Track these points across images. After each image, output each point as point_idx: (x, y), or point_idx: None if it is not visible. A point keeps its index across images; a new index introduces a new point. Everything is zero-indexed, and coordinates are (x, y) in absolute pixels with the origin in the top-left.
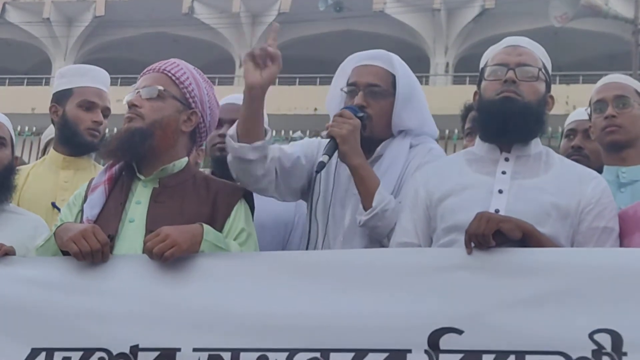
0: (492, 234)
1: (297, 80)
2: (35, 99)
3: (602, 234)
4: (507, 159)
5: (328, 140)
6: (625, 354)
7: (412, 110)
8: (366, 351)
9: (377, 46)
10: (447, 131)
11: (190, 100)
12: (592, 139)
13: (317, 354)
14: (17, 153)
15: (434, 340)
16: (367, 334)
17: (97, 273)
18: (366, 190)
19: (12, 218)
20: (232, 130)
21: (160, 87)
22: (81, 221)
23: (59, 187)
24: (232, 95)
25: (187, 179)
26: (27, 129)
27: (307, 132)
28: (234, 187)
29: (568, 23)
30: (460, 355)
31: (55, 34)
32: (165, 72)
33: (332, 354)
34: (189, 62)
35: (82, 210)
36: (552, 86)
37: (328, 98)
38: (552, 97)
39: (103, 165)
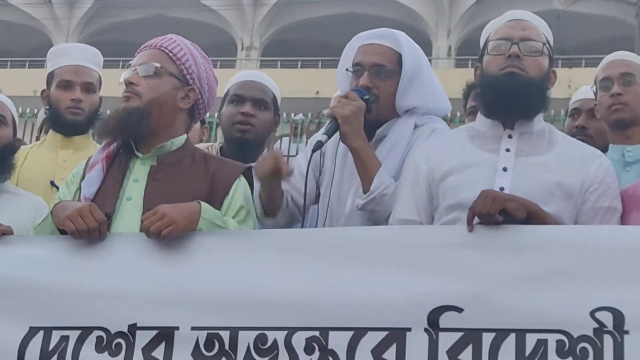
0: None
1: (299, 63)
2: (36, 82)
3: (605, 214)
4: (510, 136)
5: (330, 120)
6: (627, 332)
7: (417, 88)
8: (365, 329)
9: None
10: (449, 114)
11: (188, 76)
12: (596, 118)
13: (317, 333)
14: (19, 135)
15: (433, 319)
16: (366, 312)
17: (95, 251)
18: (366, 173)
19: (11, 198)
20: (259, 211)
21: (157, 64)
22: (79, 199)
23: (57, 166)
24: (250, 72)
25: (185, 156)
26: (28, 111)
27: (309, 115)
28: (233, 164)
29: (571, 6)
30: (460, 334)
31: (57, 16)
32: (162, 48)
33: (331, 333)
34: None
35: (80, 189)
36: (555, 70)
37: (337, 79)
38: (554, 72)
39: (101, 144)
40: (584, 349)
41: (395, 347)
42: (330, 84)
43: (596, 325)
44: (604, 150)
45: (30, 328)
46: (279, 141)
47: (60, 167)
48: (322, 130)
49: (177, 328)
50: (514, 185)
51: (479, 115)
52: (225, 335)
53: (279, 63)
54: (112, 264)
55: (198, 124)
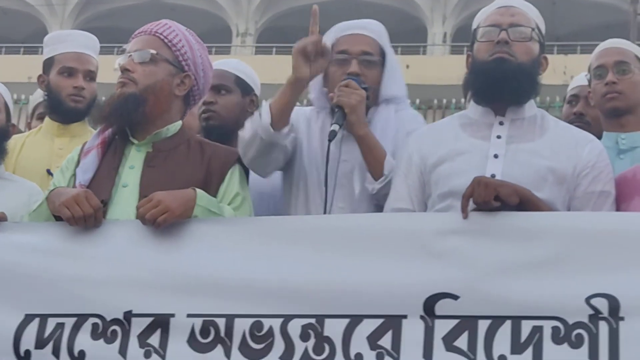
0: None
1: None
2: (31, 68)
3: (598, 198)
4: (501, 123)
5: (336, 109)
6: (622, 318)
7: (397, 79)
8: (361, 317)
9: (374, 15)
10: (444, 101)
11: (184, 63)
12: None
13: (313, 320)
14: (14, 121)
15: (429, 306)
16: (362, 299)
17: (90, 238)
18: (374, 159)
19: (5, 185)
20: (266, 114)
21: (153, 51)
22: (74, 186)
23: (54, 154)
24: (218, 61)
25: (181, 143)
26: (23, 97)
27: (304, 102)
28: (229, 151)
29: None
30: (456, 321)
31: (51, 2)
32: (157, 34)
33: (327, 320)
34: None
35: (75, 175)
36: (550, 56)
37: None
38: (545, 58)
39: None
40: (579, 335)
41: (391, 334)
42: None
43: (591, 312)
44: (601, 137)
45: (26, 315)
46: None
47: (57, 155)
48: (333, 120)
49: (172, 315)
50: (505, 172)
51: (471, 103)
52: (221, 322)
53: (274, 49)
54: (108, 251)
55: (196, 110)
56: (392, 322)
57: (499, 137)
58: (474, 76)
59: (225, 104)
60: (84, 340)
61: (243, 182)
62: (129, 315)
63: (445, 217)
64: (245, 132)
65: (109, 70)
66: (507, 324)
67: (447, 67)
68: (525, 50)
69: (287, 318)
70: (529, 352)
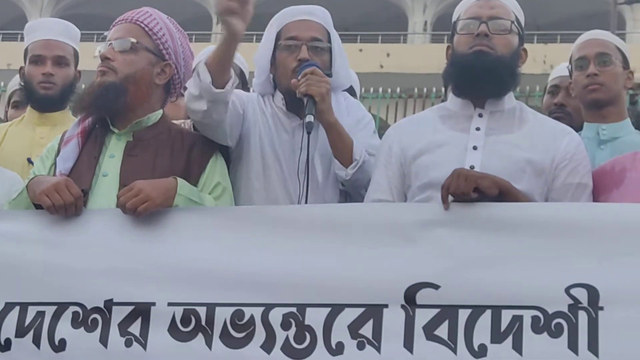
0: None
1: None
2: (10, 55)
3: (576, 190)
4: (480, 115)
5: (305, 98)
6: (601, 308)
7: (345, 67)
8: (342, 306)
9: (354, 4)
10: (425, 89)
11: (164, 52)
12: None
13: (294, 309)
14: None
15: (410, 295)
16: (343, 289)
17: (71, 227)
18: (344, 146)
19: None
20: (203, 69)
21: (133, 40)
22: (54, 174)
23: (35, 143)
24: (211, 47)
25: (161, 132)
26: (2, 84)
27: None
28: (209, 140)
29: None
30: (437, 310)
31: None
32: (137, 22)
33: (308, 309)
34: None
35: (55, 164)
36: (530, 45)
37: (259, 52)
38: (525, 50)
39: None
40: (558, 325)
41: (372, 323)
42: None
43: (571, 302)
44: (582, 127)
45: (6, 304)
46: None
47: (38, 144)
48: (305, 110)
49: (153, 304)
50: (485, 164)
51: (450, 95)
52: (202, 310)
53: (254, 37)
54: (88, 240)
55: (181, 102)
56: (373, 311)
57: (478, 129)
58: (454, 69)
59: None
60: (64, 328)
61: (224, 172)
62: (109, 303)
63: (425, 208)
64: (188, 94)
65: (89, 58)
66: (487, 314)
67: (427, 56)
68: (505, 43)
69: (268, 307)
70: (508, 341)
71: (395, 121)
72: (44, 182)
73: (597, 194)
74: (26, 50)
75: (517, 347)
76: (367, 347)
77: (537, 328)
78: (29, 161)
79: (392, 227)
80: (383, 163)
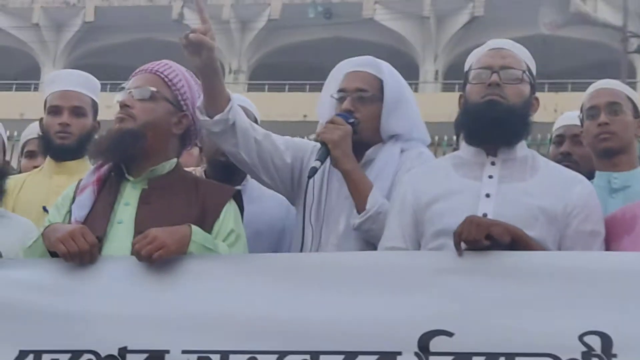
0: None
1: (287, 87)
2: (23, 105)
3: (588, 238)
4: (493, 163)
5: (320, 145)
6: (615, 355)
7: (400, 115)
8: (356, 353)
9: (366, 53)
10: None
11: (182, 102)
12: (580, 144)
13: (307, 357)
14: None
15: (424, 343)
16: (356, 336)
17: (85, 274)
18: (359, 194)
19: (1, 222)
20: (199, 103)
21: (153, 89)
22: (69, 222)
23: (51, 192)
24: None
25: (176, 180)
26: (15, 134)
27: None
28: (224, 188)
29: (557, 31)
30: (451, 358)
31: (44, 39)
32: (157, 73)
33: (322, 357)
34: None
35: (70, 212)
36: (541, 94)
37: (319, 105)
38: (537, 99)
39: None
40: None
41: None
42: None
43: (584, 349)
44: (590, 175)
45: (20, 351)
46: None
47: (54, 192)
48: (315, 156)
49: (167, 351)
50: (497, 211)
51: (463, 144)
52: (216, 358)
53: (267, 86)
54: (103, 287)
55: (197, 150)
56: (387, 359)
57: (490, 176)
58: (466, 118)
59: None
60: None
61: (238, 219)
62: (123, 351)
63: (440, 255)
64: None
65: (102, 107)
66: None
67: (438, 104)
68: (517, 92)
69: (282, 354)
70: None
71: None
72: (60, 230)
73: (609, 242)
74: (45, 102)
75: None
76: None
77: None
78: (45, 210)
79: (406, 274)
80: (397, 210)
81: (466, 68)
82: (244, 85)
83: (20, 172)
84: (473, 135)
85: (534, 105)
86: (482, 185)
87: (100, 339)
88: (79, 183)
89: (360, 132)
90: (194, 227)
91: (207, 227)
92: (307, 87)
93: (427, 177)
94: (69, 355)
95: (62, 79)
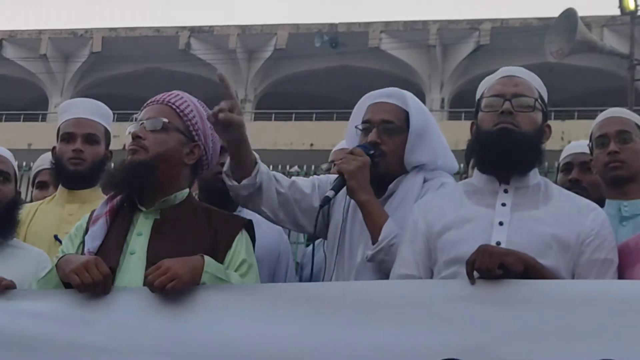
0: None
1: (294, 115)
2: (31, 135)
3: (602, 266)
4: (506, 191)
5: (338, 176)
6: None
7: (425, 145)
8: None
9: (372, 82)
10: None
11: (194, 133)
12: (589, 171)
13: None
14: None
15: None
16: None
17: (99, 306)
18: (374, 225)
19: (15, 253)
20: (226, 167)
21: (165, 120)
22: (82, 253)
23: (63, 220)
24: None
25: (188, 210)
26: (24, 164)
27: (304, 167)
28: (235, 218)
29: (564, 59)
30: None
31: (52, 69)
32: (169, 104)
33: None
34: None
35: (83, 242)
36: (549, 124)
37: (347, 137)
38: (549, 126)
39: None
40: None
41: None
42: (325, 136)
43: None
44: (599, 203)
45: None
46: None
47: (66, 221)
48: (330, 186)
49: None
50: (511, 239)
51: (475, 171)
52: None
53: (273, 115)
54: (116, 319)
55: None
56: None
57: (503, 204)
58: (479, 146)
59: None
60: None
61: (249, 249)
62: None
63: (453, 284)
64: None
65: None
66: None
67: (445, 133)
68: (529, 120)
69: None
70: None
71: None
72: (74, 261)
73: (622, 270)
74: (58, 130)
75: None
76: None
77: None
78: (56, 238)
79: (418, 303)
80: (409, 238)
81: (478, 96)
82: (251, 114)
83: (32, 201)
84: (486, 163)
85: (546, 133)
86: (495, 213)
87: None
88: (91, 214)
89: (385, 164)
90: (206, 257)
91: (220, 257)
92: (314, 116)
93: (440, 205)
94: None
95: (75, 107)
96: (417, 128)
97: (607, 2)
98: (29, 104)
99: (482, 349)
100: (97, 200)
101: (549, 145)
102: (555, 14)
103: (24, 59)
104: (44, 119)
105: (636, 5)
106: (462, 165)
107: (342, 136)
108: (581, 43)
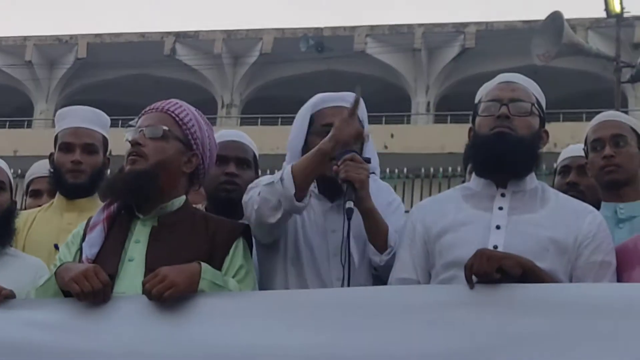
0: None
1: (280, 120)
2: (17, 142)
3: (600, 269)
4: (503, 195)
5: (345, 185)
6: None
7: (373, 150)
8: None
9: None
10: (431, 169)
11: (193, 142)
12: (587, 175)
13: None
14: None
15: None
16: None
17: (98, 314)
18: (380, 232)
19: (12, 262)
20: (289, 179)
21: (165, 127)
22: (80, 260)
23: (62, 229)
24: (230, 131)
25: (186, 217)
26: (11, 171)
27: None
28: (233, 224)
29: (550, 62)
30: None
31: (37, 76)
32: (169, 112)
33: None
34: None
35: (80, 249)
36: (546, 130)
37: (292, 136)
38: (546, 132)
39: None
40: None
41: None
42: None
43: None
44: (596, 205)
45: None
46: None
47: (65, 230)
48: (345, 197)
49: None
50: (508, 243)
51: (473, 175)
52: None
53: (260, 120)
54: (115, 327)
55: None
56: None
57: (500, 208)
58: (476, 150)
59: (248, 179)
60: None
61: (247, 255)
62: None
63: (452, 289)
64: (264, 200)
65: None
66: None
67: (431, 136)
68: (526, 125)
69: None
70: None
71: (402, 200)
72: (73, 269)
73: (620, 272)
74: (56, 137)
75: None
76: None
77: None
78: (56, 247)
79: (418, 308)
80: (407, 242)
81: (476, 100)
82: (237, 119)
83: (24, 209)
84: (483, 167)
85: (543, 138)
86: (493, 217)
87: None
88: (88, 221)
89: None
90: (203, 264)
91: (217, 263)
92: None
93: (437, 209)
94: None
95: (73, 116)
96: (367, 131)
97: (593, 4)
98: (14, 111)
99: (481, 353)
100: (96, 208)
101: None
102: (540, 16)
103: (9, 65)
104: (29, 126)
105: (622, 8)
106: (450, 169)
107: None
108: (567, 46)
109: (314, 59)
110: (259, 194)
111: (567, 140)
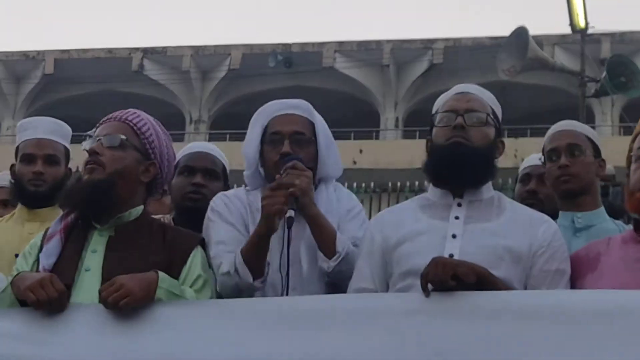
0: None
1: None
2: None
3: (554, 277)
4: (459, 204)
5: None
6: None
7: (332, 157)
8: None
9: (327, 101)
10: (399, 184)
11: (150, 151)
12: (546, 184)
13: None
14: None
15: None
16: None
17: (54, 323)
18: (327, 238)
19: None
20: (243, 269)
21: (123, 136)
22: (37, 271)
23: (23, 239)
24: (199, 143)
25: (143, 227)
26: None
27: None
28: (190, 234)
29: (515, 77)
30: None
31: (3, 92)
32: (126, 121)
33: None
34: None
35: (38, 260)
36: (502, 140)
37: (247, 146)
38: (502, 142)
39: None
40: None
41: None
42: None
43: None
44: (554, 214)
45: None
46: None
47: (26, 239)
48: (288, 206)
49: None
50: (463, 251)
51: (430, 186)
52: None
53: (228, 136)
54: (72, 336)
55: (169, 199)
56: None
57: (457, 217)
58: (432, 160)
59: (215, 190)
60: None
61: (205, 265)
62: None
63: (407, 297)
64: (224, 287)
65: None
66: None
67: (399, 151)
68: (481, 135)
69: None
70: None
71: (370, 215)
72: (29, 279)
73: (574, 280)
74: (17, 149)
75: None
76: None
77: None
78: (17, 257)
79: (374, 316)
80: (366, 252)
81: (433, 111)
82: (205, 134)
83: None
84: (439, 177)
85: (499, 148)
86: (449, 226)
87: None
88: (46, 231)
89: None
90: (160, 273)
91: (175, 273)
92: None
93: (395, 219)
94: None
95: (35, 127)
96: (324, 139)
97: (558, 20)
98: None
99: None
100: (55, 218)
101: (502, 162)
102: (507, 33)
103: None
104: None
105: (586, 24)
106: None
107: None
108: (532, 61)
109: (282, 75)
110: (219, 275)
111: (534, 154)
